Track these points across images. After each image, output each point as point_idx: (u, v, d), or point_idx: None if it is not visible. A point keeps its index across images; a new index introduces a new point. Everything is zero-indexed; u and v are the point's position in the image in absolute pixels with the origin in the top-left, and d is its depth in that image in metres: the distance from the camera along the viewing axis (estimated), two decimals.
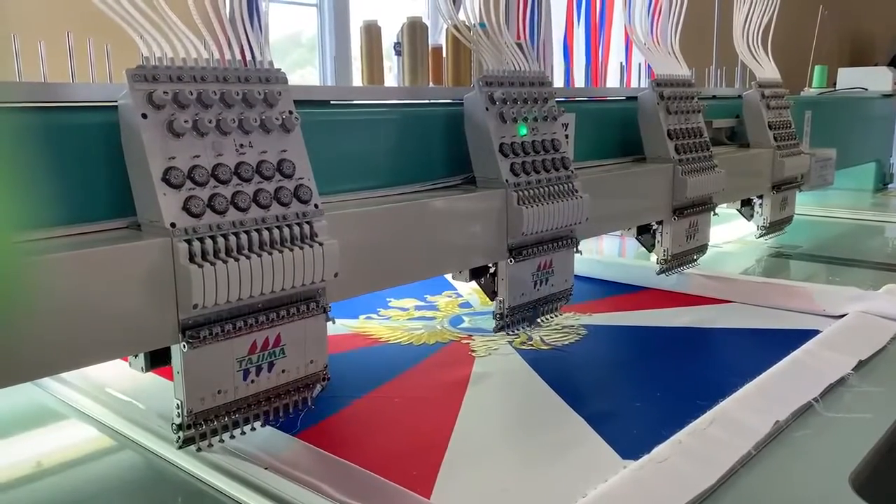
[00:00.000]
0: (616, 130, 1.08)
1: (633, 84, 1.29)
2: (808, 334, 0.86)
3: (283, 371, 0.60)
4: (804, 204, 1.63)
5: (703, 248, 1.15)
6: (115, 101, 0.54)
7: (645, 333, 0.96)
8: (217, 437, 0.58)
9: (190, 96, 0.54)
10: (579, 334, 0.93)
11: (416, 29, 0.92)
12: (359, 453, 0.61)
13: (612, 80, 2.39)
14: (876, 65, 2.90)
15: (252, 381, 0.58)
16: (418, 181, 0.80)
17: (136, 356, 0.56)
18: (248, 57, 0.60)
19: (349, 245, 0.63)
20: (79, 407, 0.70)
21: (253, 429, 0.60)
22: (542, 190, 0.81)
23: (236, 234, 0.55)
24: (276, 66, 0.61)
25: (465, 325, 0.97)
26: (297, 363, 0.61)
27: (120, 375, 0.72)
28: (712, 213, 1.15)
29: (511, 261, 0.81)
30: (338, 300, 0.65)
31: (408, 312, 1.03)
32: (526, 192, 0.80)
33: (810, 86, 2.29)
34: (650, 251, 1.10)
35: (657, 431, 0.62)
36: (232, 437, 0.59)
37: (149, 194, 0.53)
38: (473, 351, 0.87)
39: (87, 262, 0.50)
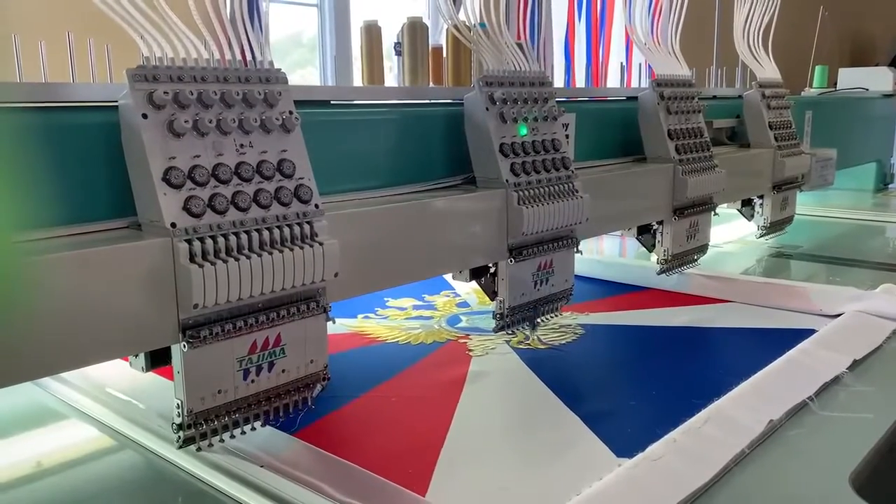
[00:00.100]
0: (616, 130, 1.08)
1: (634, 84, 1.29)
2: (804, 334, 0.86)
3: (284, 371, 0.61)
4: (805, 204, 1.63)
5: (703, 248, 1.15)
6: (116, 101, 0.54)
7: (642, 333, 0.96)
8: (217, 437, 0.58)
9: (190, 96, 0.54)
10: (577, 333, 0.93)
11: (416, 29, 0.92)
12: (356, 452, 0.61)
13: (613, 80, 2.39)
14: (877, 65, 2.90)
15: (252, 381, 0.59)
16: (418, 181, 0.80)
17: (136, 356, 0.56)
18: (249, 57, 0.60)
19: (349, 245, 0.64)
20: (79, 407, 0.71)
21: (253, 428, 0.60)
22: (542, 190, 0.81)
23: (236, 234, 0.55)
24: (276, 66, 0.61)
25: (462, 324, 0.97)
26: (298, 363, 0.62)
27: (120, 375, 0.72)
28: (713, 213, 1.15)
29: (511, 261, 0.81)
30: (338, 300, 0.65)
31: (406, 312, 1.03)
32: (526, 192, 0.80)
33: (811, 86, 2.29)
34: (650, 251, 1.10)
35: (652, 430, 0.62)
36: (232, 436, 0.59)
37: (149, 194, 0.53)
38: (471, 350, 0.87)
39: (88, 261, 0.50)
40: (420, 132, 0.81)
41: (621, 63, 1.68)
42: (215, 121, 0.56)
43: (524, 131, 0.82)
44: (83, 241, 0.52)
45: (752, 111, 1.34)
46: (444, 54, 0.97)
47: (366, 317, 1.01)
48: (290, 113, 0.61)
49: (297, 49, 2.21)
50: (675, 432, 0.61)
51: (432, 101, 0.87)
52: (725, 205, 1.33)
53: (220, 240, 0.54)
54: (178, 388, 0.55)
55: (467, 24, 0.81)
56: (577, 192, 0.85)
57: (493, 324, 0.84)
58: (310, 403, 0.64)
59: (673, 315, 1.01)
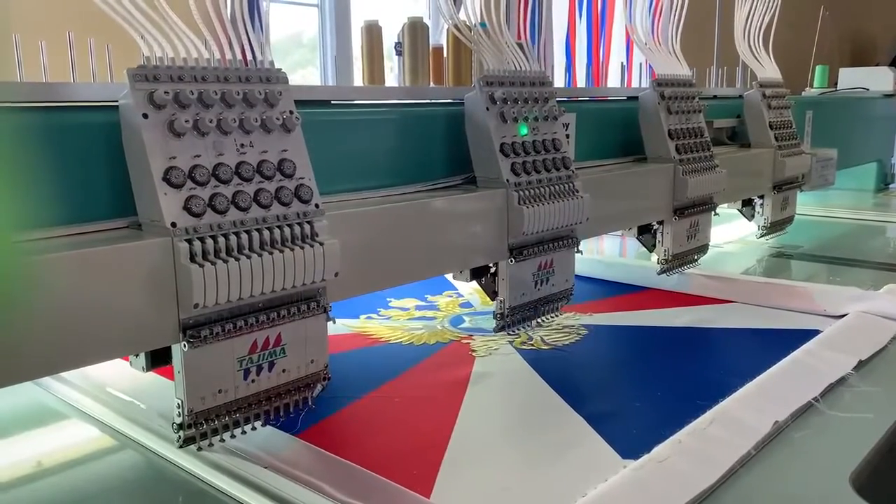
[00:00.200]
0: (617, 130, 1.08)
1: (634, 84, 1.29)
2: (808, 334, 0.86)
3: (284, 371, 0.60)
4: (805, 204, 1.63)
5: (703, 248, 1.15)
6: (116, 101, 0.54)
7: (645, 333, 0.96)
8: (217, 437, 0.58)
9: (191, 96, 0.54)
10: (579, 334, 0.93)
11: (416, 29, 0.92)
12: (359, 453, 0.61)
13: (613, 80, 2.39)
14: (877, 65, 2.90)
15: (252, 381, 0.58)
16: (419, 181, 0.80)
17: (136, 356, 0.56)
18: (249, 57, 0.60)
19: (350, 245, 0.63)
20: (79, 406, 0.71)
21: (253, 428, 0.60)
22: (542, 190, 0.81)
23: (237, 234, 0.55)
24: (276, 66, 0.61)
25: (465, 324, 0.97)
26: (298, 363, 0.61)
27: (120, 375, 0.72)
28: (713, 213, 1.15)
29: (512, 261, 0.81)
30: (338, 300, 0.65)
31: (408, 312, 1.03)
32: (527, 192, 0.80)
33: (811, 86, 2.29)
34: (651, 251, 1.10)
35: (657, 431, 0.62)
36: (232, 436, 0.59)
37: (149, 194, 0.53)
38: (474, 351, 0.87)
39: (88, 261, 0.50)
40: (420, 132, 0.81)
41: (622, 63, 1.68)
42: (216, 120, 0.56)
43: (525, 131, 0.82)
44: (84, 241, 0.52)
45: (753, 111, 1.34)
46: (445, 54, 0.97)
47: (368, 317, 1.00)
48: (291, 113, 0.61)
49: (297, 49, 2.21)
50: (681, 433, 0.61)
51: (433, 101, 0.87)
52: (726, 205, 1.33)
53: (221, 239, 0.54)
54: (179, 387, 0.55)
55: (468, 23, 0.81)
56: (577, 191, 0.85)
57: (494, 324, 0.84)
58: (310, 403, 0.64)
59: (675, 315, 1.01)
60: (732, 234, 1.50)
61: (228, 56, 0.58)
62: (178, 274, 0.53)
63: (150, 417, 0.66)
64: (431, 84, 0.95)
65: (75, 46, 0.60)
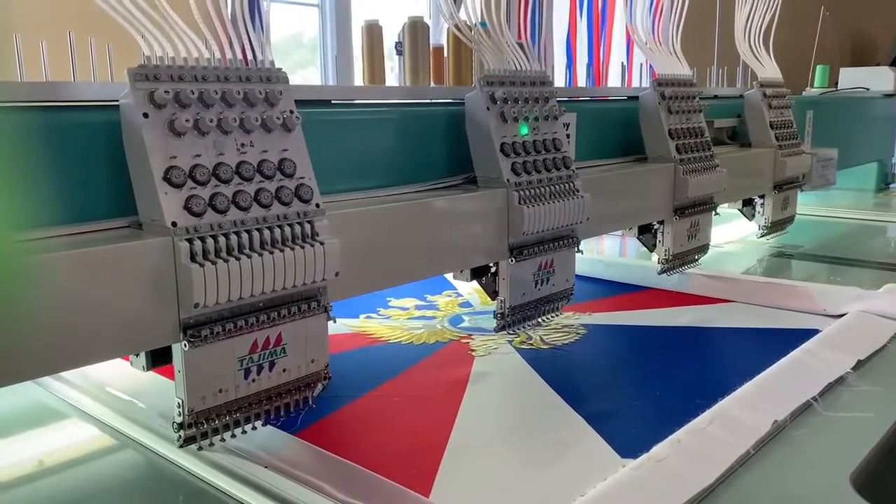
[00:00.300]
0: (617, 130, 1.08)
1: (635, 84, 1.29)
2: (808, 334, 0.86)
3: (284, 370, 0.60)
4: (806, 204, 1.63)
5: (704, 248, 1.15)
6: (117, 101, 0.54)
7: (645, 333, 0.96)
8: (218, 436, 0.58)
9: (191, 95, 0.54)
10: (579, 333, 0.93)
11: (417, 29, 0.92)
12: (358, 452, 0.61)
13: (614, 80, 2.39)
14: (878, 65, 2.90)
15: (253, 381, 0.58)
16: (419, 181, 0.80)
17: (137, 355, 0.56)
18: (250, 56, 0.60)
19: (350, 244, 0.63)
20: (80, 406, 0.71)
21: (254, 428, 0.60)
22: (543, 189, 0.81)
23: (237, 234, 0.55)
24: (277, 66, 0.61)
25: (464, 324, 0.97)
26: (299, 362, 0.61)
27: (121, 374, 0.72)
28: (714, 212, 1.15)
29: (512, 260, 0.81)
30: (339, 299, 0.65)
31: (408, 312, 1.03)
32: (527, 192, 0.80)
33: (812, 86, 2.29)
34: (651, 251, 1.10)
35: (656, 430, 0.62)
36: (233, 436, 0.59)
37: (150, 193, 0.53)
38: (473, 350, 0.87)
39: (89, 261, 0.50)
40: (421, 132, 0.81)
41: (622, 63, 1.68)
42: (216, 120, 0.56)
43: (525, 131, 0.82)
44: (84, 241, 0.52)
45: (753, 111, 1.34)
46: (445, 54, 0.97)
47: (368, 317, 1.00)
48: (291, 112, 0.61)
49: (297, 49, 2.21)
50: (680, 432, 0.61)
51: (433, 101, 0.87)
52: (726, 204, 1.33)
53: (221, 239, 0.54)
54: (179, 387, 0.55)
55: (468, 23, 0.81)
56: (577, 191, 0.85)
57: (495, 323, 0.84)
58: (311, 403, 0.64)
59: (675, 315, 1.01)
60: (733, 234, 1.50)
61: (229, 56, 0.58)
62: (179, 273, 0.53)
63: (150, 417, 0.66)
64: (432, 84, 0.95)
65: (76, 46, 0.60)
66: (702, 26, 1.58)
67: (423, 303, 1.07)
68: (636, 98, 1.07)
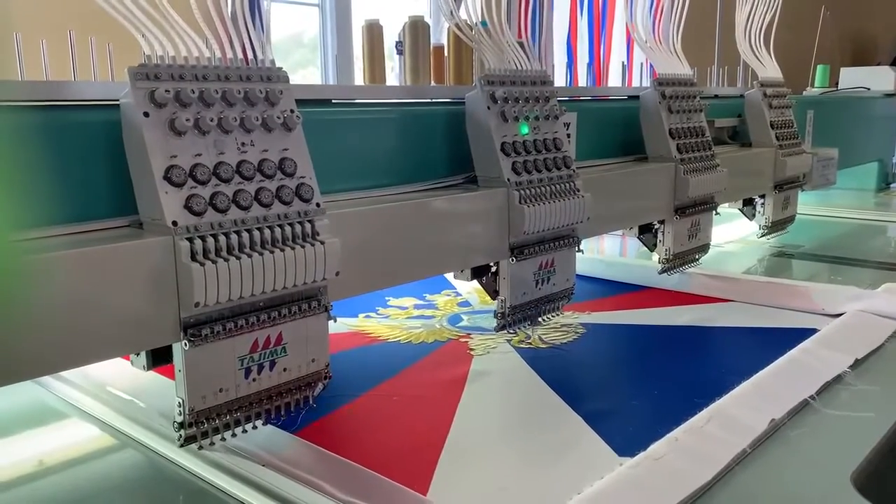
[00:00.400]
0: (618, 130, 1.08)
1: (635, 83, 1.29)
2: (806, 333, 0.86)
3: (285, 369, 0.60)
4: (806, 203, 1.63)
5: (704, 248, 1.15)
6: (117, 100, 0.54)
7: (644, 332, 0.96)
8: (218, 436, 0.58)
9: (192, 95, 0.54)
10: (578, 333, 0.93)
11: (417, 28, 0.92)
12: (357, 451, 0.61)
13: (614, 80, 2.39)
14: (878, 64, 2.90)
15: (253, 380, 0.58)
16: (420, 180, 0.80)
17: (137, 354, 0.56)
18: (250, 56, 0.60)
19: (351, 244, 0.63)
20: (80, 405, 0.71)
21: (254, 427, 0.60)
22: (543, 189, 0.81)
23: (238, 233, 0.55)
24: (277, 65, 0.61)
25: (463, 323, 0.97)
26: (299, 362, 0.61)
27: (121, 374, 0.72)
28: (714, 212, 1.15)
29: (512, 260, 0.81)
30: (339, 299, 0.65)
31: (407, 311, 1.03)
32: (527, 191, 0.80)
33: (812, 85, 2.28)
34: (652, 250, 1.10)
35: (654, 429, 0.62)
36: (233, 435, 0.59)
37: (150, 193, 0.53)
38: (472, 349, 0.87)
39: (89, 260, 0.50)
40: (421, 131, 0.81)
41: (623, 62, 1.68)
42: (217, 119, 0.56)
43: (525, 130, 0.82)
44: (84, 240, 0.52)
45: (754, 110, 1.34)
46: (446, 53, 0.97)
47: (367, 316, 1.00)
48: (292, 111, 0.61)
49: (298, 49, 2.21)
50: (677, 431, 0.61)
51: (433, 101, 0.87)
52: (727, 204, 1.32)
53: (222, 238, 0.54)
54: (180, 386, 0.55)
55: (469, 22, 0.81)
56: (578, 191, 0.85)
57: (494, 323, 0.84)
58: (311, 402, 0.64)
59: (674, 314, 1.01)
60: (733, 234, 1.50)
61: (229, 55, 0.58)
62: (179, 273, 0.53)
63: (150, 416, 0.66)
64: (432, 83, 0.95)
65: (76, 45, 0.60)
66: (702, 26, 1.58)
67: (421, 302, 1.07)
68: (637, 97, 1.07)
